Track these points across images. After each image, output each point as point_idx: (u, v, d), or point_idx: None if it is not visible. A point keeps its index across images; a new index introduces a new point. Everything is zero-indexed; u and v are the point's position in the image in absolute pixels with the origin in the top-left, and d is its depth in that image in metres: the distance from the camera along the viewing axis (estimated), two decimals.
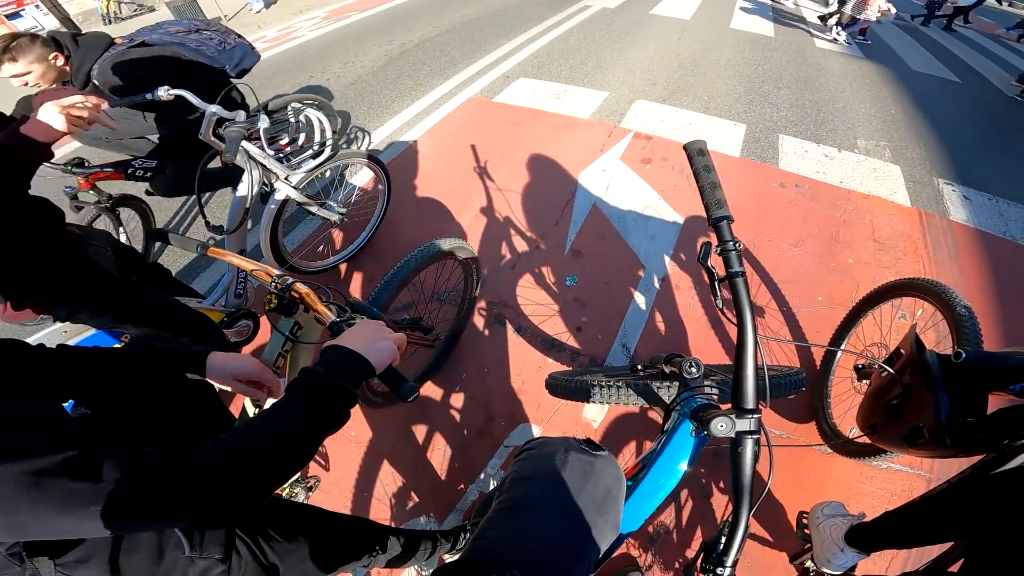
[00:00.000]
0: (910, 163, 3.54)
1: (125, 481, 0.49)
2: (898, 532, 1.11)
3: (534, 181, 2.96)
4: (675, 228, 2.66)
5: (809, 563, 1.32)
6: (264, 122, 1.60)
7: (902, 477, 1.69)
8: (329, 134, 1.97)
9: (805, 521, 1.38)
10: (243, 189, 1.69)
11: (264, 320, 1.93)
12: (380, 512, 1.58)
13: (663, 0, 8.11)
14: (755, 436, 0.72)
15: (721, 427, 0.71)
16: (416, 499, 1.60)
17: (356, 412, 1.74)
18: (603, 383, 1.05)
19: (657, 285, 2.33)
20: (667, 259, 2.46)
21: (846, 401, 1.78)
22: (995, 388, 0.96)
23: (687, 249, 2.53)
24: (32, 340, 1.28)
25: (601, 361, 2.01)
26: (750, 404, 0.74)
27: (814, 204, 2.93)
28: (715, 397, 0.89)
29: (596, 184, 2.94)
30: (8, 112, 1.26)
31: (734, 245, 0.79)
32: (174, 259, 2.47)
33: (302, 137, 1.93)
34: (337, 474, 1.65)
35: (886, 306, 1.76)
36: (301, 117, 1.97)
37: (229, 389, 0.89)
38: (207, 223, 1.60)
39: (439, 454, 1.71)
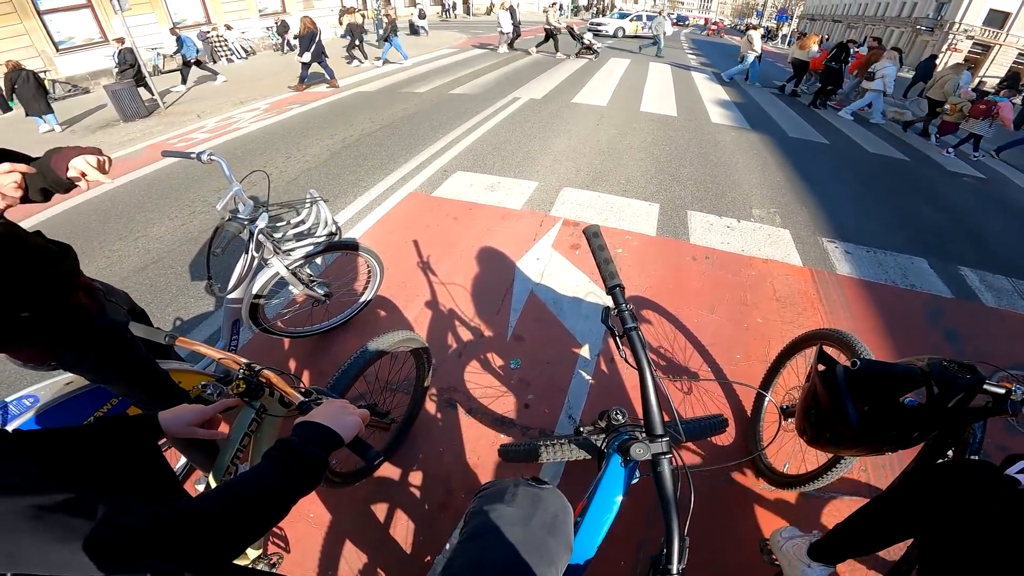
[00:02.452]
0: (797, 226, 4.14)
1: (119, 521, 0.55)
2: (854, 540, 1.23)
3: (475, 273, 3.18)
4: (611, 310, 2.93)
5: None
6: (263, 221, 1.82)
7: (844, 503, 1.90)
8: (328, 227, 2.16)
9: (769, 548, 1.49)
10: (243, 260, 1.91)
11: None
12: None
13: (583, 89, 9.18)
14: (667, 456, 0.86)
15: (639, 451, 0.86)
16: (383, 575, 1.61)
17: (314, 494, 1.76)
18: (549, 443, 1.19)
19: (596, 358, 2.54)
20: (601, 335, 2.69)
21: (776, 442, 1.97)
22: (894, 394, 1.14)
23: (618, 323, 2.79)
24: (34, 388, 1.35)
25: (550, 432, 2.14)
26: (658, 430, 0.90)
27: (723, 273, 3.34)
28: (638, 435, 1.03)
29: (532, 271, 3.21)
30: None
31: (627, 307, 1.00)
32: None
33: (310, 221, 2.13)
34: (298, 555, 1.63)
35: (799, 357, 2.01)
36: (314, 206, 2.16)
37: (190, 436, 0.97)
38: (210, 279, 1.85)
39: (402, 529, 1.73)
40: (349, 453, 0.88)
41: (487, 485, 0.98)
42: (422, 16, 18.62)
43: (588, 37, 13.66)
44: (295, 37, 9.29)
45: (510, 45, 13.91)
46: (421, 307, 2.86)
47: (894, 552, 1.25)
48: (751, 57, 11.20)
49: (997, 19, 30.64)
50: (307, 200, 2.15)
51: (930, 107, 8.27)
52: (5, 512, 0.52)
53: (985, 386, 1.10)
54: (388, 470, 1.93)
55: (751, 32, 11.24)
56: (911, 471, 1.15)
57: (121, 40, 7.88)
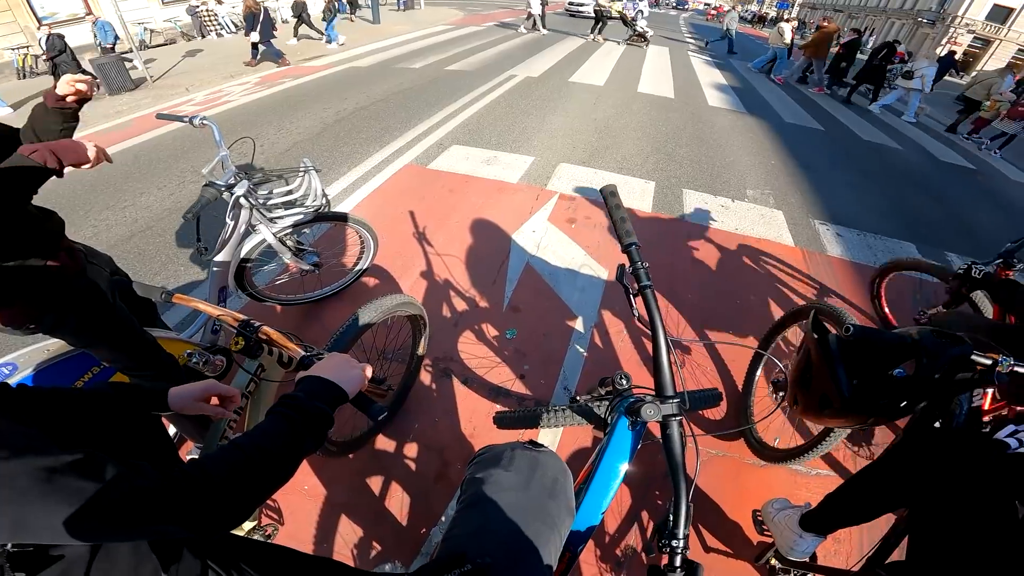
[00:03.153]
0: (790, 207, 4.17)
1: (128, 483, 0.53)
2: (846, 510, 1.24)
3: (471, 244, 3.18)
4: (601, 280, 2.95)
5: (773, 560, 1.44)
6: (241, 188, 1.80)
7: (830, 480, 1.95)
8: (319, 199, 2.14)
9: (760, 518, 1.52)
10: (228, 226, 1.89)
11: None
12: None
13: (580, 68, 9.07)
14: (678, 418, 0.85)
15: (650, 412, 0.84)
16: (379, 547, 1.62)
17: (307, 465, 1.79)
18: (545, 410, 1.19)
19: (591, 330, 2.56)
20: (597, 307, 2.71)
21: (767, 417, 2.05)
22: (884, 367, 1.15)
23: (614, 297, 2.81)
24: (12, 356, 1.30)
25: (545, 403, 2.16)
26: (669, 391, 0.89)
27: (717, 251, 3.36)
28: (646, 398, 1.02)
29: (528, 244, 3.21)
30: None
31: (642, 265, 0.98)
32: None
33: (301, 191, 2.11)
34: (293, 527, 1.63)
35: (791, 331, 2.05)
36: (306, 176, 2.14)
37: (197, 413, 0.95)
38: (199, 241, 1.79)
39: (397, 501, 1.75)
40: (347, 419, 0.86)
41: (482, 451, 0.97)
42: None
43: (642, 24, 12.82)
44: (243, 18, 8.90)
45: (535, 26, 13.52)
46: (416, 277, 2.85)
47: (883, 523, 1.27)
48: (778, 48, 10.84)
49: (1000, 14, 30.61)
50: (300, 169, 2.12)
51: (967, 106, 8.34)
52: (15, 474, 0.49)
53: (973, 357, 1.10)
54: (383, 441, 1.94)
55: (782, 24, 10.83)
56: (900, 441, 1.15)
57: (50, 25, 7.55)
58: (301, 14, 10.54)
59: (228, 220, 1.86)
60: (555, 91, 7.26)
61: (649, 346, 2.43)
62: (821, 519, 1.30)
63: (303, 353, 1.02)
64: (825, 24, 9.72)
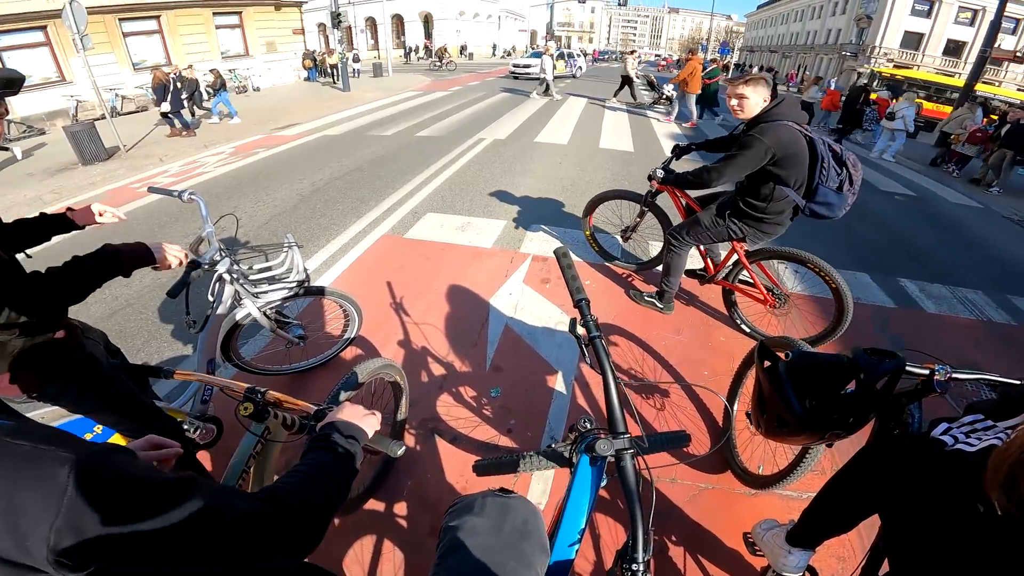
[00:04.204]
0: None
1: (238, 508, 0.53)
2: (821, 521, 1.29)
3: (450, 310, 3.28)
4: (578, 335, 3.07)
5: None
6: (224, 266, 1.86)
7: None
8: (300, 274, 2.20)
9: (751, 539, 1.57)
10: (214, 301, 1.95)
11: (228, 427, 2.05)
12: None
13: (544, 129, 9.66)
14: (629, 451, 0.93)
15: (603, 447, 0.93)
16: None
17: None
18: (520, 457, 1.23)
19: (571, 382, 2.66)
20: (576, 360, 2.81)
21: (749, 446, 2.17)
22: (834, 387, 1.22)
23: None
24: None
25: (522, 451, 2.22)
26: (620, 428, 0.98)
27: (685, 296, 3.56)
28: (603, 435, 1.10)
29: (506, 306, 3.33)
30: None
31: (592, 318, 1.09)
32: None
33: (285, 266, 2.18)
34: None
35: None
36: (289, 252, 2.21)
37: None
38: (188, 315, 1.83)
39: (388, 559, 1.75)
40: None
41: (456, 501, 1.03)
42: (356, 59, 19.12)
43: (668, 88, 12.46)
44: (152, 89, 8.98)
45: (546, 91, 14.23)
46: (399, 346, 2.92)
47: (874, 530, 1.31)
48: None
49: (912, 40, 34.30)
50: (284, 245, 2.22)
51: (943, 139, 9.73)
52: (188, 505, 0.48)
53: (908, 368, 1.20)
54: (373, 503, 1.96)
55: (627, 57, 11.87)
56: (860, 450, 1.21)
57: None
58: (193, 93, 9.85)
59: (210, 296, 1.94)
60: (522, 152, 7.69)
61: (629, 392, 2.52)
62: (804, 533, 1.34)
63: (315, 408, 1.12)
64: (690, 56, 10.61)
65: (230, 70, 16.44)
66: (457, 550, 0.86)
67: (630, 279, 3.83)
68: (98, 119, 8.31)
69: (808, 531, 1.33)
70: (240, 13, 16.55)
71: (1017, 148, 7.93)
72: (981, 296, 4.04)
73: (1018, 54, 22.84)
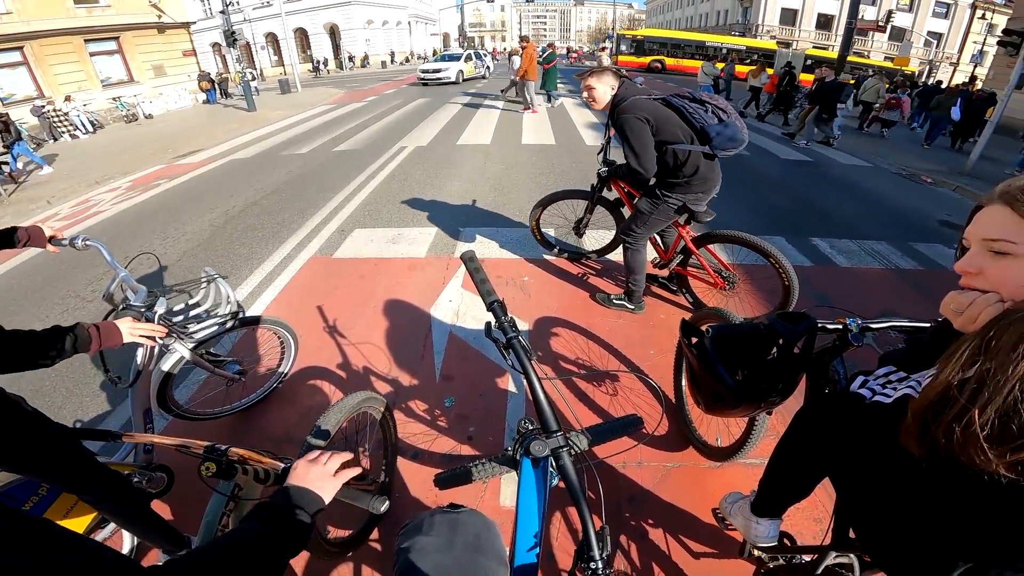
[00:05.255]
0: None
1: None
2: (776, 488, 1.26)
3: (391, 325, 3.20)
4: (524, 333, 3.11)
5: (756, 551, 1.45)
6: (162, 307, 1.73)
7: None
8: (231, 305, 2.08)
9: (721, 514, 1.58)
10: (143, 349, 1.79)
11: (178, 469, 1.90)
12: None
13: (465, 131, 9.65)
14: (564, 448, 0.92)
15: (538, 448, 0.91)
16: None
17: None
18: (478, 464, 1.19)
19: (525, 383, 2.67)
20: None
21: (704, 422, 2.21)
22: (761, 355, 1.23)
23: (540, 346, 2.98)
24: None
25: (477, 458, 2.21)
26: (552, 427, 0.97)
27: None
28: (539, 436, 1.09)
29: (447, 314, 3.30)
30: None
31: (507, 319, 1.04)
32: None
33: (210, 301, 2.03)
34: None
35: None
36: (211, 285, 2.07)
37: None
38: (107, 373, 1.73)
39: None
40: (342, 518, 0.86)
41: (406, 523, 1.00)
42: (253, 78, 18.31)
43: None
44: None
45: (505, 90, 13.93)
46: (342, 368, 2.81)
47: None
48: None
49: (789, 16, 37.97)
50: (203, 279, 2.08)
51: (865, 108, 12.13)
52: None
53: (821, 326, 1.21)
54: (336, 531, 1.84)
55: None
56: (796, 414, 1.20)
57: None
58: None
59: (138, 344, 1.78)
60: (446, 156, 7.64)
61: (581, 384, 2.54)
62: (764, 502, 1.32)
63: (282, 465, 1.04)
64: (524, 45, 11.07)
65: (114, 98, 14.99)
66: (410, 572, 0.85)
67: (586, 278, 3.85)
68: None
69: (767, 500, 1.31)
70: (118, 39, 15.12)
71: (822, 104, 8.92)
72: (885, 246, 4.53)
73: (879, 23, 26.04)
